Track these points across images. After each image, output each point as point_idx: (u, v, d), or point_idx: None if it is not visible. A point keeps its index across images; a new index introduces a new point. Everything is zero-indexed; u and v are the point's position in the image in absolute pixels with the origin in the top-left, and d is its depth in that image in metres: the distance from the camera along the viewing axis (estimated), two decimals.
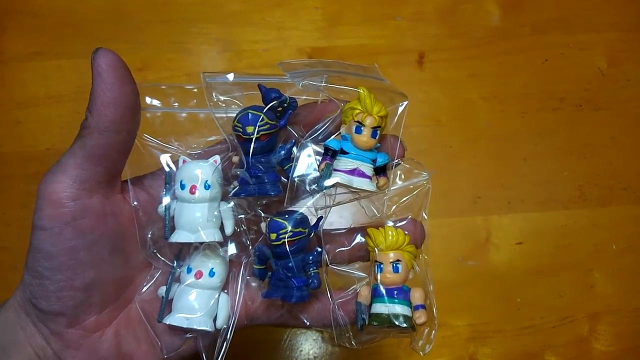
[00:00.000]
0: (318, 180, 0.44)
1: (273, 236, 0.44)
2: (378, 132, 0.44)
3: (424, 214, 0.47)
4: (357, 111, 0.44)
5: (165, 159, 0.47)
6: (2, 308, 0.44)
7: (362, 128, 0.44)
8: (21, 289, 0.43)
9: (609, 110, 0.72)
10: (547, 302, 0.67)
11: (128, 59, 0.40)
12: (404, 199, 0.47)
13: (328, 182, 0.44)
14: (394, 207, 0.47)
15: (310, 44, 0.73)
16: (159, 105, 0.48)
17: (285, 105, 0.44)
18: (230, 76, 0.45)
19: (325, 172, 0.44)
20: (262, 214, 0.46)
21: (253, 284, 0.48)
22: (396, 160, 0.46)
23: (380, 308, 0.44)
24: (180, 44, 0.73)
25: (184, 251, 0.48)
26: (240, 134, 0.43)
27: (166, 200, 0.46)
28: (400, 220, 0.47)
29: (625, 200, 0.70)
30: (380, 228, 0.46)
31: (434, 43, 0.74)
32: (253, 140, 0.43)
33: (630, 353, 0.66)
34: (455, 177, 0.71)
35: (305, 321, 0.48)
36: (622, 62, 0.74)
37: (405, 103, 0.45)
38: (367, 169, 0.44)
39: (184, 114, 0.49)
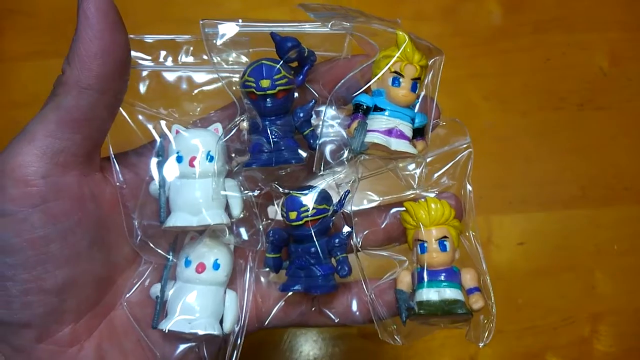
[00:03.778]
0: (350, 144, 0.37)
1: (293, 215, 0.38)
2: (418, 85, 0.38)
3: (467, 184, 0.41)
4: (396, 60, 0.37)
5: (155, 126, 0.40)
6: None
7: (401, 80, 0.37)
8: None
9: (611, 110, 0.72)
10: (548, 303, 0.66)
11: None
12: (446, 166, 0.41)
13: (366, 142, 0.36)
14: (435, 176, 0.41)
15: None
16: (149, 63, 0.39)
17: (305, 57, 0.38)
18: (235, 25, 0.37)
19: (359, 132, 0.36)
20: (281, 189, 0.39)
21: (262, 279, 0.42)
22: (434, 121, 0.39)
23: (428, 294, 0.38)
24: None
25: (181, 240, 0.41)
26: (253, 89, 0.37)
27: (159, 175, 0.38)
28: (442, 193, 0.41)
29: (627, 201, 0.69)
30: (420, 201, 0.40)
31: (434, 42, 0.74)
32: (269, 97, 0.37)
33: (631, 353, 0.66)
34: None
35: (333, 317, 0.41)
36: (623, 61, 0.73)
37: (440, 58, 0.38)
38: (407, 128, 0.38)
39: (177, 74, 0.41)
